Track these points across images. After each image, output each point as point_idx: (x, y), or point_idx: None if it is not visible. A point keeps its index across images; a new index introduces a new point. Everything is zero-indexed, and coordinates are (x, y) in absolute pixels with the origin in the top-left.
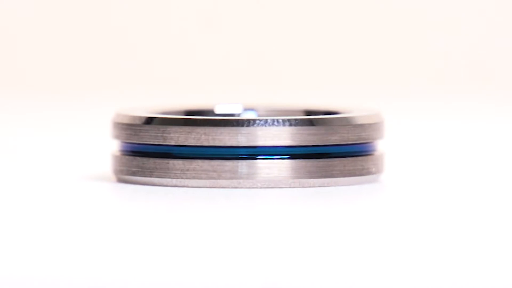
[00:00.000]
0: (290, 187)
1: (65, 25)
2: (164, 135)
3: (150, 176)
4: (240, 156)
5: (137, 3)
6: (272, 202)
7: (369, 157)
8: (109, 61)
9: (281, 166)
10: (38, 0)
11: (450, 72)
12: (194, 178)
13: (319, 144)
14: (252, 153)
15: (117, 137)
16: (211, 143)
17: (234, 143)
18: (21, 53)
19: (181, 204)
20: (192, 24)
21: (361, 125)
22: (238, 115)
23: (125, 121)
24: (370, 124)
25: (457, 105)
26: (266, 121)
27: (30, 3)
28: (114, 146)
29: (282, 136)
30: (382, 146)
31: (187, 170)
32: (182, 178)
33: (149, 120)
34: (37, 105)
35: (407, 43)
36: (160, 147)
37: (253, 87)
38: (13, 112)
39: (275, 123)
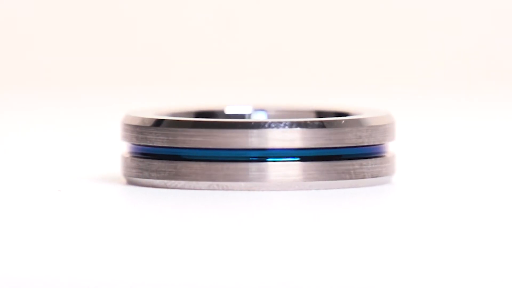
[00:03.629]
0: (300, 190)
1: (77, 27)
2: (173, 137)
3: (160, 178)
4: (250, 158)
5: (149, 3)
6: (283, 205)
7: (377, 159)
8: (121, 62)
9: (292, 168)
10: None
11: (462, 73)
12: (203, 180)
13: (330, 146)
14: (263, 155)
15: (126, 139)
16: (221, 146)
17: (245, 146)
18: (32, 53)
19: (190, 206)
20: (203, 24)
21: (372, 127)
22: (249, 116)
23: (134, 123)
24: (381, 126)
25: (469, 106)
26: (276, 123)
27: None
28: (123, 148)
29: (293, 138)
30: (393, 148)
31: (196, 172)
32: (190, 180)
33: (158, 122)
34: (47, 106)
35: (419, 43)
36: (169, 150)
37: (263, 87)
38: (23, 112)
39: (286, 125)
